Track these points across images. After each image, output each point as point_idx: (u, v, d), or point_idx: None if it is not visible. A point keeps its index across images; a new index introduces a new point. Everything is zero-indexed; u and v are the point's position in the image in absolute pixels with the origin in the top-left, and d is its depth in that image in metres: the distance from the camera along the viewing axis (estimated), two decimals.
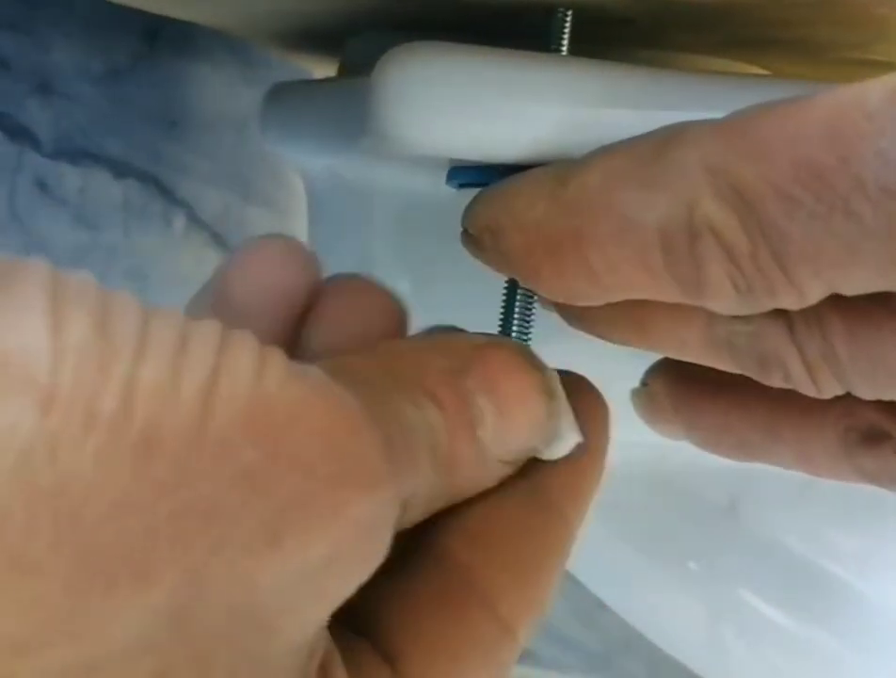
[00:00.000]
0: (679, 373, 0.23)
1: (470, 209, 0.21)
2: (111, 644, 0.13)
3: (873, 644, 0.33)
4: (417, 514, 0.18)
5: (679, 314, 0.20)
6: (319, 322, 0.20)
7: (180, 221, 0.44)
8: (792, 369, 0.19)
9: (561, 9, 0.22)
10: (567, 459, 0.20)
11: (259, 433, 0.14)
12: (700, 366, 0.21)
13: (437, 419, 0.17)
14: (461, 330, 0.21)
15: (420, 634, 0.18)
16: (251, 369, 0.14)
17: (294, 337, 0.20)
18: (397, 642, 0.18)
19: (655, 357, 0.24)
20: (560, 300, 0.20)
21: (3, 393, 0.12)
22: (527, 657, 0.54)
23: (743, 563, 0.34)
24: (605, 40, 0.24)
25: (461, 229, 0.21)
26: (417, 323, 0.21)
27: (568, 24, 0.22)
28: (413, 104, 0.20)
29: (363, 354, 0.19)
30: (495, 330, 0.22)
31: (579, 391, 0.20)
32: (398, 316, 0.20)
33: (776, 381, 0.19)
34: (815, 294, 0.16)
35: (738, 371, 0.20)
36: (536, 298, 0.22)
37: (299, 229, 0.42)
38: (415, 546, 0.19)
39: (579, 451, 0.20)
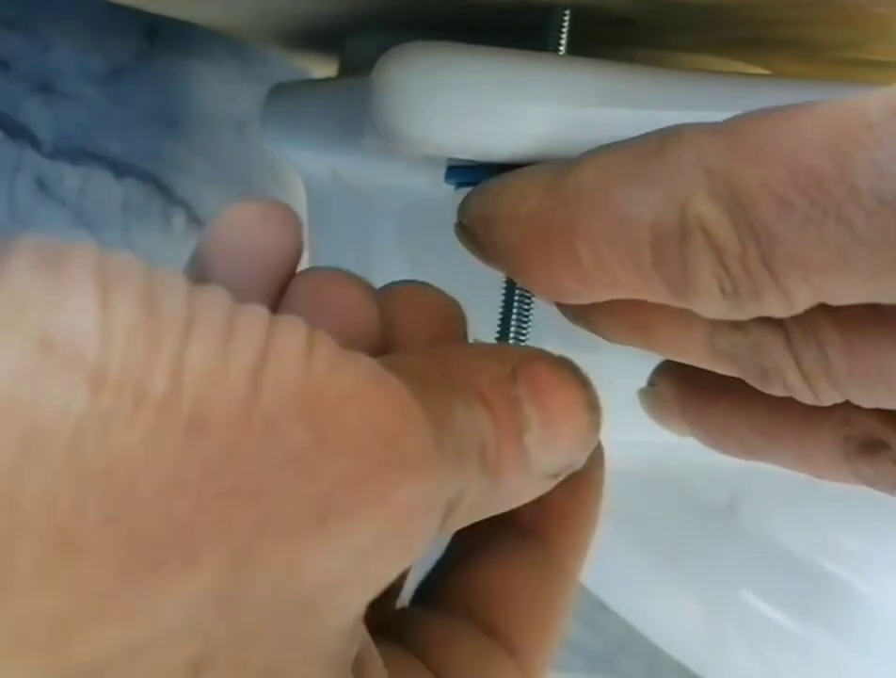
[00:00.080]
0: (683, 374, 0.23)
1: (465, 201, 0.21)
2: (157, 625, 0.13)
3: (873, 644, 0.33)
4: (461, 518, 0.18)
5: (680, 323, 0.20)
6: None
7: (180, 221, 0.44)
8: (790, 381, 0.19)
9: (559, 9, 0.22)
10: (569, 516, 0.21)
11: (307, 415, 0.14)
12: (702, 369, 0.21)
13: (486, 421, 0.17)
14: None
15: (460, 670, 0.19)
16: (301, 351, 0.14)
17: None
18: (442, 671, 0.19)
19: (656, 356, 0.24)
20: (548, 297, 0.20)
21: (54, 373, 0.13)
22: None
23: (743, 563, 0.34)
24: (604, 40, 0.24)
25: (456, 221, 0.21)
26: None
27: (566, 24, 0.22)
28: (413, 104, 0.20)
29: (416, 352, 0.19)
30: (494, 329, 0.22)
31: None
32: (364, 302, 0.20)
33: (776, 390, 0.19)
34: (802, 300, 0.17)
35: (740, 377, 0.20)
36: (533, 297, 0.22)
37: None
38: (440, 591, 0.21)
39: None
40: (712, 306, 0.17)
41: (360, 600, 0.15)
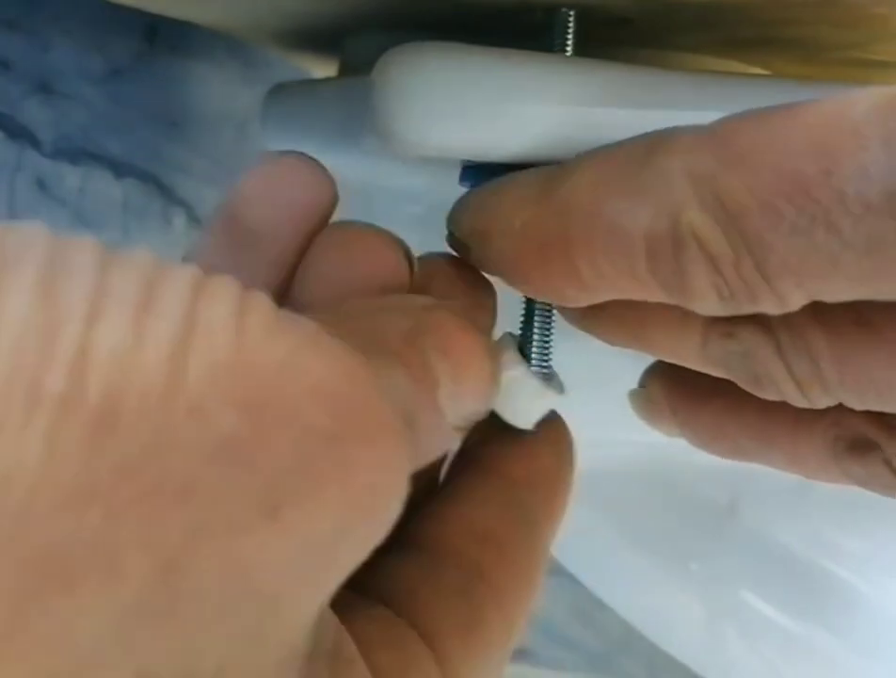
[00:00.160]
0: (675, 375, 0.23)
1: (455, 212, 0.21)
2: (80, 651, 0.11)
3: (873, 644, 0.33)
4: None
5: (674, 328, 0.20)
6: (310, 272, 0.19)
7: (180, 221, 0.44)
8: (783, 387, 0.19)
9: (564, 9, 0.22)
10: (544, 482, 0.20)
11: (240, 394, 0.12)
12: (695, 370, 0.21)
13: (405, 380, 0.16)
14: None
15: (447, 620, 0.17)
16: (231, 320, 0.13)
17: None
18: (429, 625, 0.17)
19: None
20: (548, 302, 0.21)
21: None
22: (527, 657, 0.54)
23: (743, 563, 0.34)
24: (605, 40, 0.24)
25: (447, 231, 0.21)
26: None
27: (571, 24, 0.22)
28: (414, 104, 0.20)
29: (333, 313, 0.17)
30: (496, 330, 0.22)
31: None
32: (396, 263, 0.19)
33: (770, 396, 0.20)
34: (797, 302, 0.17)
35: (734, 380, 0.20)
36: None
37: None
38: (412, 536, 0.19)
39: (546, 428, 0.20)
40: (709, 308, 0.17)
41: (327, 587, 0.14)
